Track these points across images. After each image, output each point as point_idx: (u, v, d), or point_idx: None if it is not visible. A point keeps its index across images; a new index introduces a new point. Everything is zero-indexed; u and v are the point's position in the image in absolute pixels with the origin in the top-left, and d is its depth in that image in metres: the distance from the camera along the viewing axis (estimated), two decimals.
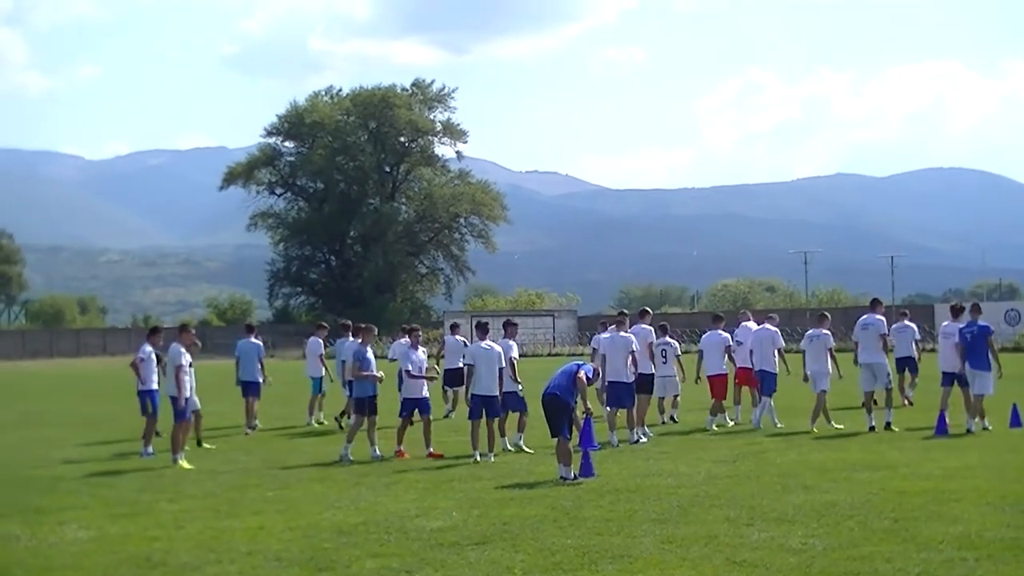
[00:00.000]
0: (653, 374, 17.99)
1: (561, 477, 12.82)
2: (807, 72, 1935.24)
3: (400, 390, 20.71)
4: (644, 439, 16.66)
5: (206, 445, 17.88)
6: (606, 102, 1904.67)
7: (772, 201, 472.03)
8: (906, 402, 20.87)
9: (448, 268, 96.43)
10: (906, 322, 21.26)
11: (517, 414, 16.61)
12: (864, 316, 18.01)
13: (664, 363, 19.18)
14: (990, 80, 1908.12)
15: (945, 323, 18.63)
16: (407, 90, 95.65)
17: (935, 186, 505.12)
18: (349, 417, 18.95)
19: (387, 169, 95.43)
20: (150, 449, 16.77)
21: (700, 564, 8.46)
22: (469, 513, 10.89)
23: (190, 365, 17.05)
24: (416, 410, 15.96)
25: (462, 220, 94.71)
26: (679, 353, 20.07)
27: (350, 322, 21.12)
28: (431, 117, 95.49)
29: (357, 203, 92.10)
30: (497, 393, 15.38)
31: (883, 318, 17.88)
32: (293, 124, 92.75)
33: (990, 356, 16.78)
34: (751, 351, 19.01)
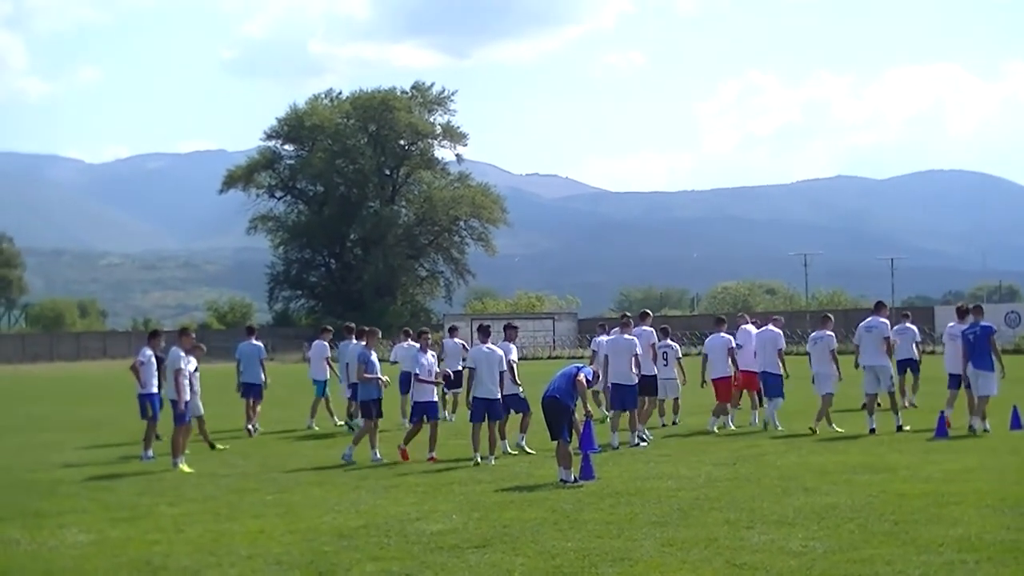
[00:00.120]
0: (656, 375, 18.03)
1: (561, 480, 12.82)
2: (807, 75, 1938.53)
3: (401, 393, 20.81)
4: (643, 443, 16.65)
5: (219, 447, 17.87)
6: (606, 105, 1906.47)
7: (772, 203, 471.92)
8: (907, 403, 20.86)
9: (448, 271, 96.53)
10: (908, 324, 21.27)
11: (520, 415, 16.62)
12: (868, 319, 17.93)
13: (665, 366, 19.22)
14: (990, 82, 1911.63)
15: (951, 324, 18.63)
16: (407, 93, 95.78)
17: (935, 188, 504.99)
18: (355, 418, 18.97)
19: (387, 172, 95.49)
20: (150, 453, 16.77)
21: (700, 567, 8.45)
22: (469, 516, 10.89)
23: (196, 370, 17.10)
24: (424, 415, 15.95)
25: (462, 223, 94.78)
26: (680, 356, 20.09)
27: (354, 325, 21.12)
28: (431, 120, 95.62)
29: (357, 206, 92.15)
30: (499, 396, 15.39)
31: (887, 321, 17.83)
32: (293, 127, 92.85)
33: (993, 356, 16.78)
34: (754, 353, 19.02)
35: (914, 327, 21.39)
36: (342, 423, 20.92)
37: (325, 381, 21.89)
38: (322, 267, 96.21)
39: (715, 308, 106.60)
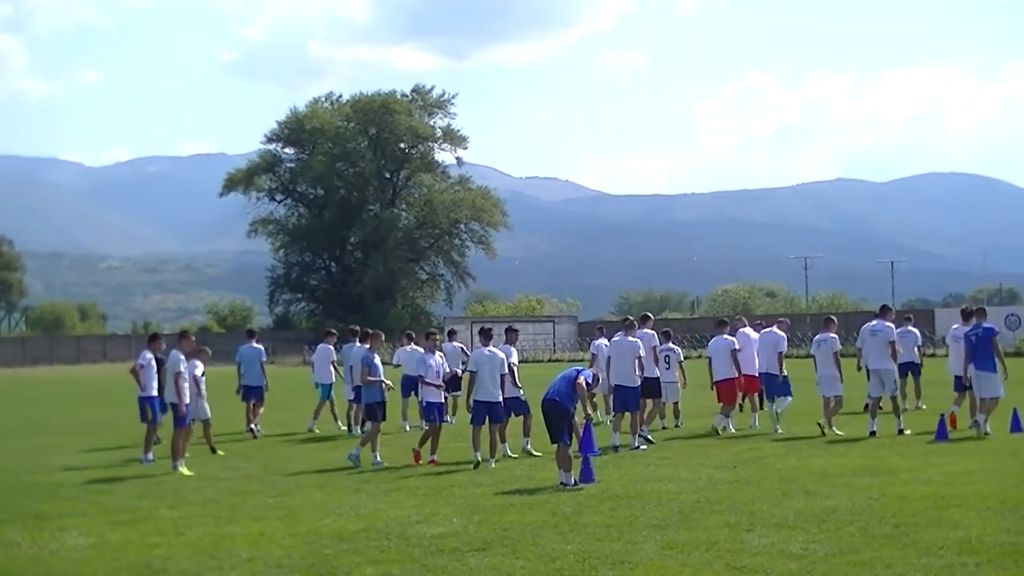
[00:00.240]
0: (658, 377, 18.05)
1: (561, 483, 12.82)
2: (807, 76, 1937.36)
3: (403, 397, 20.81)
4: (644, 446, 16.65)
5: (220, 452, 17.89)
6: (606, 107, 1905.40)
7: (772, 206, 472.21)
8: (916, 407, 20.90)
9: (448, 274, 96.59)
10: (909, 327, 21.29)
11: (520, 418, 16.62)
12: (873, 322, 17.90)
13: (667, 369, 19.24)
14: (990, 84, 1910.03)
15: (955, 326, 18.66)
16: (407, 96, 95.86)
17: (935, 191, 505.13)
18: (356, 424, 18.98)
19: (387, 175, 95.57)
20: (150, 455, 16.77)
21: (701, 570, 8.46)
22: (469, 519, 10.89)
23: (203, 374, 17.11)
24: (431, 416, 15.93)
25: (462, 226, 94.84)
26: (682, 359, 20.09)
27: (357, 327, 21.11)
28: (431, 123, 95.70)
29: (357, 209, 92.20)
30: (500, 399, 15.40)
31: (892, 324, 17.83)
32: (293, 130, 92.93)
33: (995, 358, 16.79)
34: (755, 356, 19.02)
35: (916, 330, 21.40)
36: (345, 427, 20.92)
37: (330, 385, 21.87)
38: (322, 270, 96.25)
39: (715, 311, 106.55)
